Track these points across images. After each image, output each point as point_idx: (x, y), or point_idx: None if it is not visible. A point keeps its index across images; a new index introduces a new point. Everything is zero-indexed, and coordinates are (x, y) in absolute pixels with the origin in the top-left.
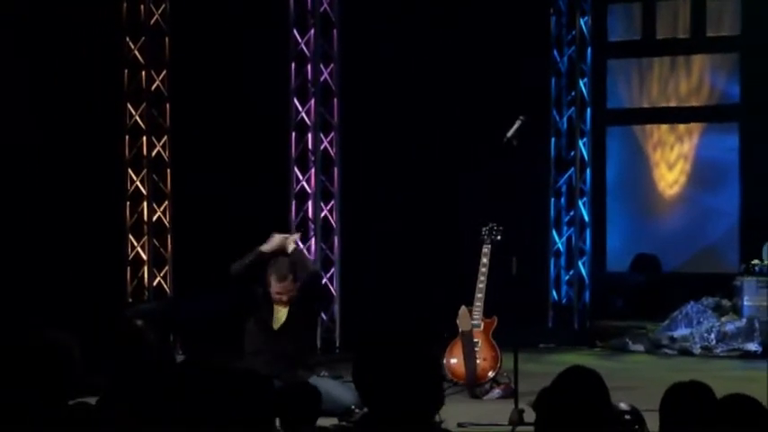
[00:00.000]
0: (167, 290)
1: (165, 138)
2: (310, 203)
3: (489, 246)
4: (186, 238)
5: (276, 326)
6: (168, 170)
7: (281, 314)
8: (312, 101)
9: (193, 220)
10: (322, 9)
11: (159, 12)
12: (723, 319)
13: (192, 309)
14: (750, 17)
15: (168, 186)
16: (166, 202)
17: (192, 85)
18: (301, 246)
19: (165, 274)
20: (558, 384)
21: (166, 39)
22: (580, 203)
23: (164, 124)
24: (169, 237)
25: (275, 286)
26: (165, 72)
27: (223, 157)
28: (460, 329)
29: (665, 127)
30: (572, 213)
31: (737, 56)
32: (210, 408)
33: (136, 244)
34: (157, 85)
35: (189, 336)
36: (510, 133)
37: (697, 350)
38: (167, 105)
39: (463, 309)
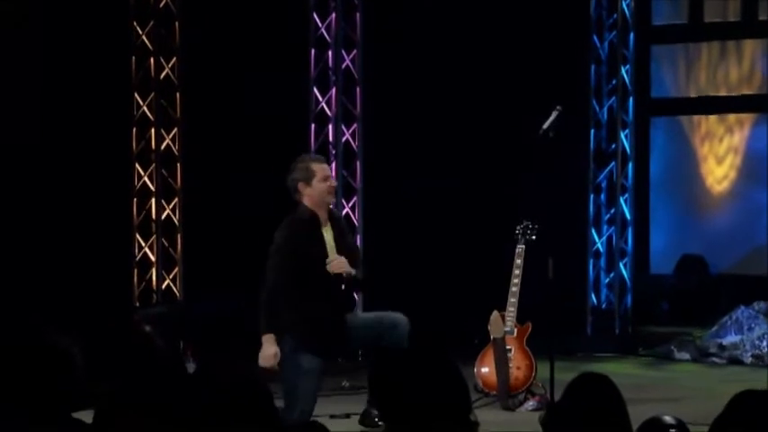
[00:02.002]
0: (177, 293)
1: (175, 130)
2: None
3: (523, 246)
4: (197, 237)
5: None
6: (178, 165)
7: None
8: (333, 90)
9: (205, 219)
10: None
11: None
12: None
13: (204, 313)
14: None
15: (178, 182)
16: (176, 199)
17: (204, 74)
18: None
19: (175, 276)
20: (568, 394)
21: (176, 24)
22: (621, 200)
23: (174, 115)
24: (179, 236)
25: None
26: (174, 59)
27: (237, 151)
28: (492, 336)
29: (713, 118)
30: (613, 211)
31: None
32: (219, 418)
33: (144, 244)
34: (167, 73)
35: (201, 342)
36: (546, 125)
37: (748, 359)
38: (177, 95)
39: (495, 314)
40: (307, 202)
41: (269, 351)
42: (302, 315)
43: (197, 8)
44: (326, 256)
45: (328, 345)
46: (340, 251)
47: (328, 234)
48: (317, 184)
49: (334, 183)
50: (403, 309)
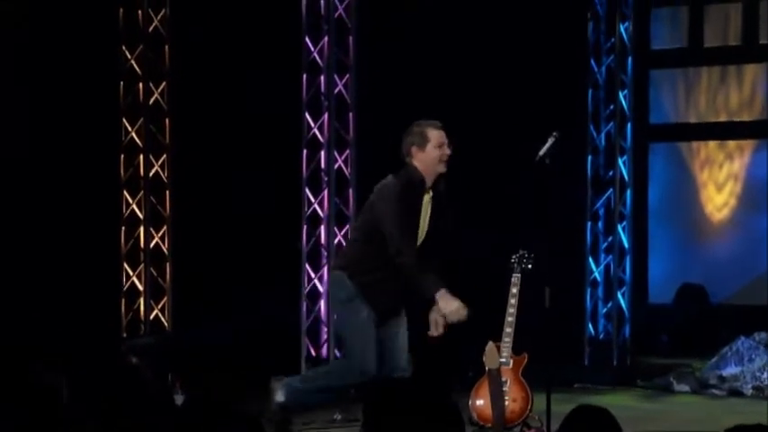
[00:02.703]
0: (166, 323)
1: (165, 156)
2: (323, 228)
3: (519, 275)
4: (187, 266)
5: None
6: (167, 192)
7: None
8: (325, 115)
9: (195, 247)
10: (337, 14)
11: (158, 17)
12: None
13: (193, 343)
14: None
15: (167, 210)
16: (165, 227)
17: (194, 99)
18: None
19: (164, 306)
20: (565, 427)
21: (166, 47)
22: (619, 228)
23: (163, 141)
24: (168, 265)
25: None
26: (164, 84)
27: (228, 179)
28: (487, 368)
29: (713, 144)
30: (610, 239)
31: None
32: None
33: (132, 273)
34: (156, 98)
35: (190, 373)
36: (542, 151)
37: (748, 390)
38: (167, 121)
39: (490, 345)
40: (418, 166)
41: (453, 305)
42: (376, 279)
43: (188, 32)
44: (418, 227)
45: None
46: (432, 225)
47: (427, 204)
48: (431, 150)
49: (448, 151)
50: None
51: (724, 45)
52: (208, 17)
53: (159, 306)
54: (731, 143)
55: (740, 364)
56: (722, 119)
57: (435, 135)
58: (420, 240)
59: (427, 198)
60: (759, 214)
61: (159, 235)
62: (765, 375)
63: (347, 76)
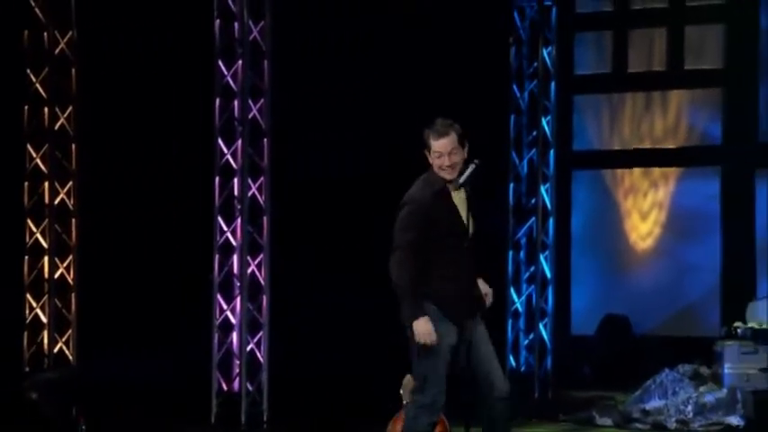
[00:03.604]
0: (70, 357)
1: (71, 183)
2: (236, 258)
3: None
4: (93, 297)
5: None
6: (73, 220)
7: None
8: (239, 141)
9: (102, 277)
10: (251, 37)
11: (65, 40)
12: (701, 389)
13: (99, 378)
14: (734, 47)
15: (73, 239)
16: (71, 257)
17: (102, 124)
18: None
19: (68, 339)
20: None
21: (73, 70)
22: (542, 258)
23: (69, 168)
24: (73, 296)
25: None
26: (70, 108)
27: (137, 206)
28: (405, 401)
29: (638, 171)
30: (533, 269)
31: (720, 92)
32: None
33: (35, 304)
34: (62, 122)
35: (95, 409)
36: (462, 179)
37: (672, 424)
38: (73, 146)
39: (408, 378)
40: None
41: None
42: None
43: (96, 54)
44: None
45: None
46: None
47: (462, 202)
48: (432, 158)
49: (447, 161)
50: (313, 375)
51: (649, 70)
52: (118, 39)
53: (64, 339)
54: (656, 170)
55: (664, 397)
56: (647, 146)
57: (435, 145)
58: (469, 235)
59: (459, 195)
60: (684, 243)
61: (64, 265)
62: (689, 408)
63: (262, 100)
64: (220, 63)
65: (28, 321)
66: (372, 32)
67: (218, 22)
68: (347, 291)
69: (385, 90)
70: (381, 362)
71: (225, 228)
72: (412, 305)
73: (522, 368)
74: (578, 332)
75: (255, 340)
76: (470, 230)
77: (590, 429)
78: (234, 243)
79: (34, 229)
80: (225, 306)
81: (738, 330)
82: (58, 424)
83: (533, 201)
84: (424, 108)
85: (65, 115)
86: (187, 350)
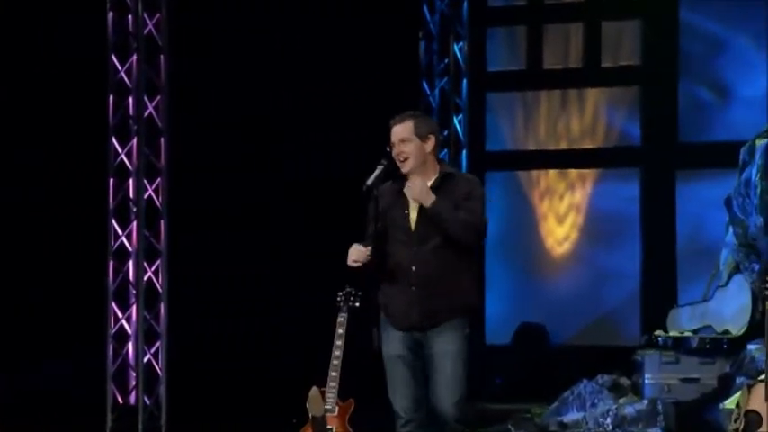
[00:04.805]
0: None
1: None
2: (131, 264)
3: (346, 314)
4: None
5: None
6: None
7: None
8: (134, 140)
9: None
10: (146, 31)
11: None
12: (621, 400)
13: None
14: (652, 44)
15: None
16: None
17: None
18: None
19: None
20: None
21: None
22: None
23: None
24: None
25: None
26: None
27: (28, 211)
28: (311, 415)
29: (553, 173)
30: None
31: (638, 90)
32: None
33: None
34: None
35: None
36: (370, 181)
37: None
38: None
39: (314, 390)
40: None
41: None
42: None
43: None
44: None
45: None
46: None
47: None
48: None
49: (396, 150)
50: (212, 386)
51: (565, 68)
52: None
53: None
54: (573, 172)
55: (582, 409)
56: (563, 146)
57: (391, 132)
58: (418, 237)
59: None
60: (603, 248)
61: None
62: (609, 421)
63: (158, 97)
64: (114, 58)
65: None
66: (274, 26)
67: (110, 14)
68: (253, 305)
69: (285, 87)
70: (291, 369)
71: (119, 232)
72: None
73: None
74: (492, 341)
75: (153, 351)
76: (421, 232)
77: None
78: (129, 248)
79: None
80: (120, 315)
81: (659, 339)
82: None
83: None
84: (331, 105)
85: None
86: (80, 361)
